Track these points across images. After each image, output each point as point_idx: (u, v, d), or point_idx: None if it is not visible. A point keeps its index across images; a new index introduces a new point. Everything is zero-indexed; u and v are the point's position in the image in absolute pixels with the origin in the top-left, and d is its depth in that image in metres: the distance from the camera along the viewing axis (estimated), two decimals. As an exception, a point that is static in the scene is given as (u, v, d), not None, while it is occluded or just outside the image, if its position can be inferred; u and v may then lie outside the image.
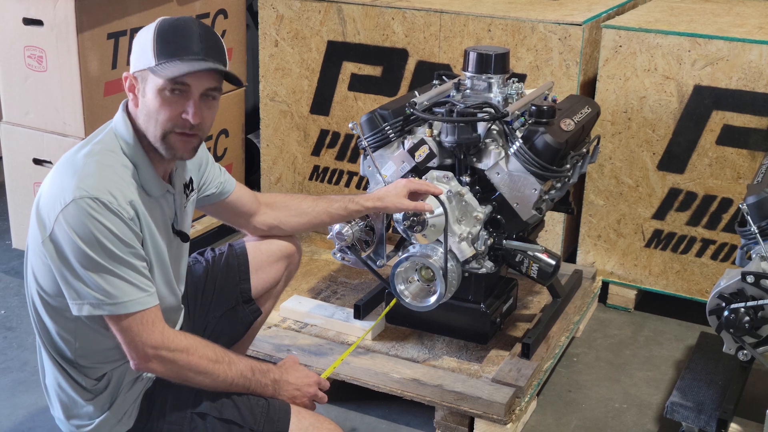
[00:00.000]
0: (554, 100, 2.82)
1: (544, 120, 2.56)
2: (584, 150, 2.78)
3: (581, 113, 2.74)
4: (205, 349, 1.89)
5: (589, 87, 3.20)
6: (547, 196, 2.63)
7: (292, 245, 2.40)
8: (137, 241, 1.83)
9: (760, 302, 2.12)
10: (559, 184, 2.67)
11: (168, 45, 1.80)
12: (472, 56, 2.68)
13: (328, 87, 3.60)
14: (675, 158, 3.07)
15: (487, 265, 2.59)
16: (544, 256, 2.59)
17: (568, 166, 2.60)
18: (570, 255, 3.40)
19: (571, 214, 3.09)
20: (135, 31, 3.13)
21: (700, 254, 3.11)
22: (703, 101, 2.98)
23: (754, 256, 2.23)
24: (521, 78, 3.21)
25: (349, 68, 3.54)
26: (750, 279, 2.12)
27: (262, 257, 2.34)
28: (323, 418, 2.01)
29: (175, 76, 1.78)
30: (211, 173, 2.19)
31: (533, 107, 2.57)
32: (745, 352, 2.19)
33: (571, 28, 3.11)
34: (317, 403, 2.09)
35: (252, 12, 3.90)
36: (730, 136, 2.97)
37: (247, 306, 2.34)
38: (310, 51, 3.59)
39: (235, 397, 1.96)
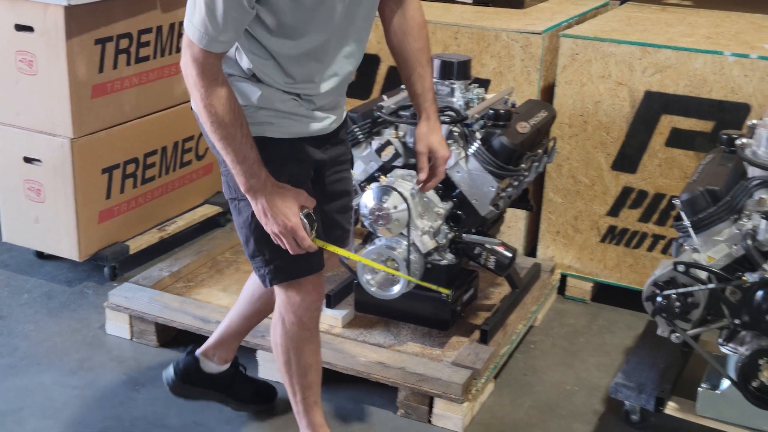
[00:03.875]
0: (513, 105, 3.03)
1: (501, 123, 2.77)
2: (540, 151, 2.98)
3: (537, 116, 2.94)
4: (222, 107, 1.93)
5: (548, 92, 3.41)
6: (504, 194, 2.84)
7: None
8: None
9: (690, 289, 2.33)
10: (516, 183, 2.88)
11: None
12: (437, 63, 2.88)
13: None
14: (627, 159, 3.28)
15: (448, 257, 2.80)
16: (500, 249, 2.80)
17: (524, 165, 2.81)
18: (531, 250, 3.60)
19: (531, 211, 3.30)
20: (121, 37, 3.32)
21: (651, 249, 3.32)
22: (653, 106, 3.19)
23: (686, 248, 2.44)
24: (485, 83, 3.42)
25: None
26: (681, 268, 2.33)
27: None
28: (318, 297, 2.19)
29: None
30: None
31: (491, 111, 2.78)
32: (677, 334, 2.39)
33: (532, 37, 3.32)
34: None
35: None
36: (677, 139, 3.18)
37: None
38: (287, 56, 3.78)
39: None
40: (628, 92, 3.22)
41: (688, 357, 2.81)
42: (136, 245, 3.56)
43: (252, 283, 2.53)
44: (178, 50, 3.64)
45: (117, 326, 3.10)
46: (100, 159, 3.37)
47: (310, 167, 2.18)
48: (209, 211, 3.95)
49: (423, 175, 2.32)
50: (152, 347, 3.05)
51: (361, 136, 2.85)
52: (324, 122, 2.18)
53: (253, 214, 2.09)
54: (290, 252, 2.08)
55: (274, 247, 2.11)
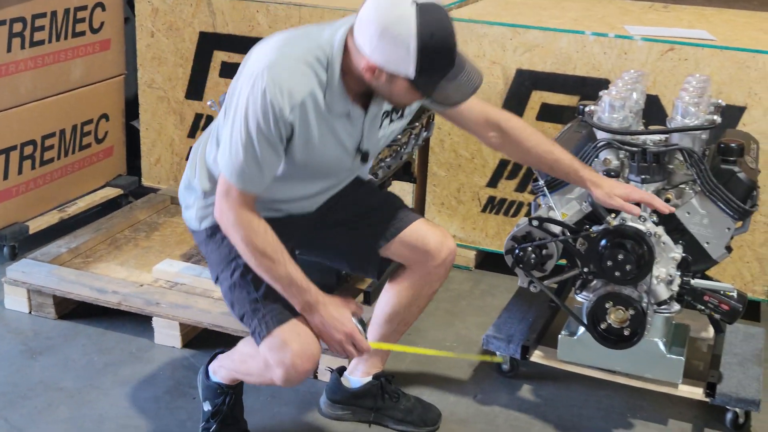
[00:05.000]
0: (394, 82, 3.22)
1: (378, 97, 2.96)
2: (418, 124, 3.18)
3: (414, 92, 3.14)
4: (260, 240, 2.07)
5: (431, 72, 3.62)
6: (383, 164, 3.03)
7: (436, 248, 2.41)
8: (279, 140, 2.04)
9: (543, 241, 2.56)
10: (394, 153, 3.07)
11: (430, 64, 1.92)
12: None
13: (200, 74, 3.94)
14: (503, 133, 3.51)
15: None
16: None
17: (399, 136, 3.01)
18: (419, 222, 3.81)
19: (414, 183, 3.51)
20: (14, 21, 3.41)
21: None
22: (524, 83, 3.43)
23: (543, 205, 2.68)
24: (371, 64, 3.61)
25: (219, 57, 3.89)
26: (535, 223, 2.57)
27: (412, 237, 2.42)
28: (309, 341, 2.14)
29: (445, 104, 2.05)
30: None
31: (368, 86, 2.97)
32: (535, 285, 2.62)
33: (412, 20, 3.53)
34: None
35: (131, 4, 4.19)
36: (547, 113, 3.43)
37: (369, 254, 2.42)
38: (183, 41, 3.92)
39: None
40: (501, 70, 3.45)
41: (557, 310, 3.05)
42: (35, 225, 3.65)
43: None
44: (75, 35, 3.74)
45: (15, 301, 3.19)
46: (-3, 140, 3.45)
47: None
48: (110, 193, 4.06)
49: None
50: (51, 319, 3.15)
51: None
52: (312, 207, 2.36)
53: (232, 285, 2.22)
54: (350, 357, 2.21)
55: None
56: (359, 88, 2.09)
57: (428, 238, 2.44)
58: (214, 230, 2.26)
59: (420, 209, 3.79)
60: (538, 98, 3.43)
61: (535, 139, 2.41)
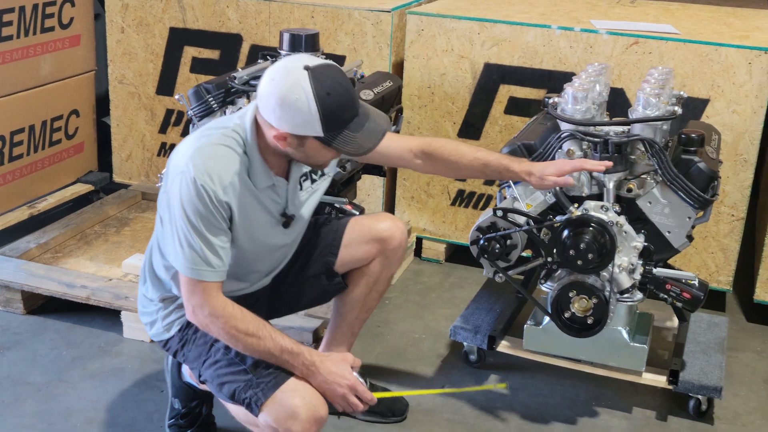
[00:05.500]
0: (362, 76, 3.24)
1: (345, 90, 2.97)
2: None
3: (382, 86, 3.16)
4: (241, 322, 2.07)
5: (400, 67, 3.64)
6: (351, 157, 3.05)
7: (389, 231, 2.48)
8: (223, 222, 2.08)
9: (507, 231, 2.59)
10: (361, 147, 3.09)
11: (334, 120, 2.01)
12: (286, 37, 3.07)
13: (171, 70, 3.94)
14: (471, 127, 3.54)
15: None
16: (347, 208, 3.00)
17: (367, 129, 3.02)
18: (390, 216, 3.83)
19: (384, 177, 3.52)
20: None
21: (496, 210, 3.59)
22: (492, 77, 3.46)
23: (508, 196, 2.71)
24: (341, 59, 3.63)
25: (190, 52, 3.89)
26: (499, 213, 2.59)
27: (354, 235, 2.47)
28: (314, 401, 2.06)
29: (357, 153, 2.05)
30: None
31: (335, 79, 2.98)
32: (500, 275, 2.65)
33: (382, 15, 3.55)
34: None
35: (101, 0, 4.18)
36: (515, 107, 3.46)
37: (329, 278, 2.48)
38: (153, 37, 3.92)
39: None
40: (469, 65, 3.48)
41: (524, 301, 3.08)
42: (4, 222, 3.63)
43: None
44: (44, 30, 3.73)
45: (-17, 296, 3.19)
46: (-35, 136, 3.44)
47: None
48: (81, 189, 4.04)
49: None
50: (19, 315, 3.15)
51: (215, 105, 3.01)
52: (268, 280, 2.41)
53: (218, 367, 2.16)
54: (357, 409, 2.14)
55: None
56: (278, 160, 2.17)
57: (375, 227, 2.48)
58: (186, 330, 2.27)
59: (390, 203, 3.81)
60: (506, 92, 3.46)
61: (459, 151, 2.48)
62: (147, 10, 3.89)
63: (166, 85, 3.96)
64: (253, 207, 2.17)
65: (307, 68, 2.02)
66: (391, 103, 3.28)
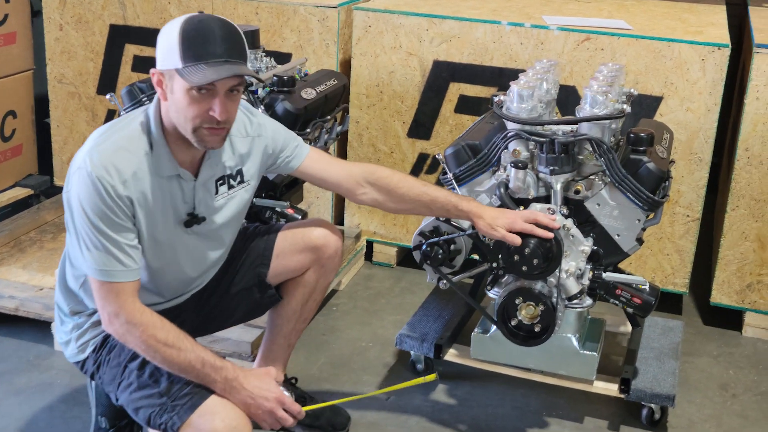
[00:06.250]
0: (305, 74, 3.12)
1: (285, 89, 2.85)
2: (329, 117, 3.08)
3: (325, 84, 3.04)
4: (161, 331, 1.94)
5: (348, 64, 3.52)
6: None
7: (323, 239, 2.37)
8: (126, 218, 1.96)
9: (450, 236, 2.48)
10: (303, 148, 2.96)
11: (193, 48, 1.90)
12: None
13: (112, 68, 3.79)
14: (422, 126, 3.43)
15: None
16: (288, 212, 2.88)
17: (308, 130, 2.90)
18: (340, 219, 3.71)
19: (331, 179, 3.40)
20: None
21: (448, 212, 3.48)
22: (442, 74, 3.35)
23: (452, 199, 2.59)
24: (287, 57, 3.51)
25: (131, 50, 3.74)
26: (442, 217, 2.48)
27: (286, 244, 2.36)
28: (236, 427, 1.94)
29: (201, 83, 1.90)
30: (284, 153, 2.29)
31: (275, 78, 2.86)
32: (444, 281, 2.54)
33: (328, 11, 3.43)
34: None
35: (38, -3, 4.02)
36: (465, 105, 3.36)
37: (262, 290, 2.36)
38: (93, 34, 3.77)
39: None
40: (418, 62, 3.36)
41: (474, 309, 2.97)
42: (-65, 227, 3.47)
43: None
44: (-25, 28, 3.57)
45: None
46: None
47: None
48: (20, 193, 3.89)
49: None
50: (-55, 327, 3.00)
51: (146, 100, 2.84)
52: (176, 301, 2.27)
53: (132, 391, 2.04)
54: (286, 424, 2.03)
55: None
56: (186, 150, 2.04)
57: (308, 235, 2.37)
58: (100, 351, 2.13)
59: (340, 206, 3.69)
60: (456, 90, 3.35)
61: (406, 184, 2.34)
62: (86, 7, 3.74)
63: (107, 84, 3.81)
64: (159, 203, 2.03)
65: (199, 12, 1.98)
66: (336, 102, 3.16)
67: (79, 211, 1.93)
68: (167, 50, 1.93)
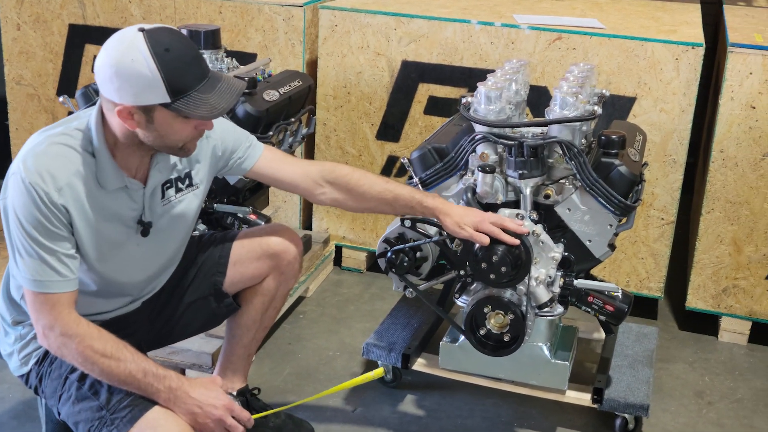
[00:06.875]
0: (270, 75, 3.02)
1: (247, 90, 2.75)
2: (293, 119, 2.98)
3: (289, 86, 2.95)
4: (98, 342, 1.87)
5: (315, 65, 3.43)
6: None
7: (282, 245, 2.28)
8: (62, 226, 1.85)
9: (415, 243, 2.39)
10: (267, 151, 2.87)
11: (180, 81, 1.79)
12: (184, 33, 2.83)
13: (72, 69, 3.68)
14: (390, 128, 3.34)
15: None
16: (251, 218, 2.78)
17: (271, 133, 2.80)
18: (308, 223, 3.62)
19: (297, 183, 3.30)
20: None
21: (418, 216, 3.39)
22: (411, 75, 3.26)
23: (418, 204, 2.50)
24: (252, 57, 3.41)
25: (91, 50, 3.63)
26: (407, 223, 2.39)
27: (244, 251, 2.27)
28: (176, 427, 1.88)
29: (212, 116, 1.82)
30: (235, 154, 2.20)
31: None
32: (410, 290, 2.45)
33: (293, 9, 3.33)
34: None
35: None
36: (435, 106, 3.27)
37: (218, 299, 2.28)
38: (52, 34, 3.65)
39: None
40: (386, 62, 3.27)
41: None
42: None
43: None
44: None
45: None
46: None
47: None
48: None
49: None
50: None
51: None
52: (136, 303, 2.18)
53: (71, 404, 1.95)
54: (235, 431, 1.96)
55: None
56: (134, 158, 1.94)
57: (266, 241, 2.28)
58: (42, 363, 2.03)
59: (308, 210, 3.59)
60: (425, 91, 3.26)
61: (367, 181, 2.24)
62: (44, 6, 3.62)
63: (67, 85, 3.69)
64: (101, 213, 1.93)
65: (142, 30, 1.80)
66: (300, 103, 3.06)
67: (14, 218, 1.84)
68: (145, 87, 1.78)
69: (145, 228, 2.02)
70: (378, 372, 2.33)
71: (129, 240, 2.01)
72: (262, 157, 2.23)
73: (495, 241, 2.24)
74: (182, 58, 1.80)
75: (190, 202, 2.12)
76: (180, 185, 2.09)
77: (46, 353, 2.01)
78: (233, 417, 1.94)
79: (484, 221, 2.21)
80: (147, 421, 1.85)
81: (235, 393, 2.40)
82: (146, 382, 1.87)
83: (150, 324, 2.22)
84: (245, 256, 2.27)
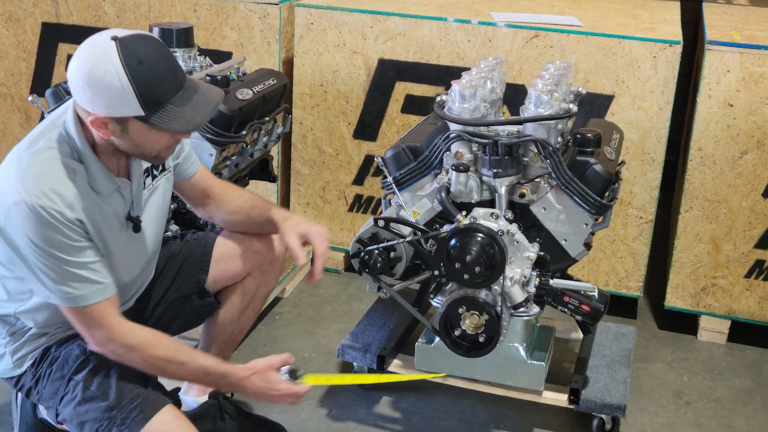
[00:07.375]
0: (244, 74, 2.98)
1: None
2: (267, 119, 2.94)
3: (263, 84, 2.90)
4: (159, 348, 1.89)
5: (291, 63, 3.39)
6: (229, 162, 2.79)
7: (264, 243, 2.27)
8: (82, 238, 1.83)
9: (388, 243, 2.36)
10: (239, 151, 2.83)
11: (155, 94, 1.76)
12: (156, 32, 2.80)
13: (46, 69, 3.63)
14: (368, 127, 3.31)
15: None
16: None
17: (244, 132, 2.76)
18: (285, 223, 3.58)
19: (274, 182, 3.26)
20: None
21: (396, 215, 3.36)
22: (387, 73, 3.23)
23: (392, 204, 2.48)
24: (227, 55, 3.37)
25: (65, 49, 3.58)
26: (381, 223, 2.36)
27: (226, 249, 2.27)
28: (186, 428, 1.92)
29: (187, 130, 1.80)
30: (186, 157, 2.19)
31: (207, 77, 2.71)
32: (384, 291, 2.42)
33: (269, 7, 3.29)
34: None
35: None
36: (412, 105, 3.24)
37: (201, 297, 2.27)
38: (25, 33, 3.60)
39: (113, 374, 1.93)
40: (363, 60, 3.24)
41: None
42: None
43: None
44: None
45: None
46: None
47: None
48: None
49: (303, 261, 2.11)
50: None
51: None
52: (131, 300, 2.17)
53: (77, 404, 1.93)
54: (292, 405, 2.04)
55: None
56: (116, 158, 1.93)
57: (249, 239, 2.27)
58: (40, 365, 2.00)
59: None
60: (402, 89, 3.23)
61: (242, 198, 2.26)
62: (16, 4, 3.57)
63: (40, 85, 3.64)
64: (102, 217, 1.91)
65: (114, 38, 1.75)
66: (275, 102, 3.02)
67: (28, 246, 1.79)
68: (117, 100, 1.75)
69: (135, 224, 2.00)
70: (440, 375, 2.47)
71: (123, 238, 2.00)
72: (199, 172, 2.24)
73: (467, 241, 2.22)
74: (156, 70, 1.77)
75: (164, 187, 2.12)
76: (155, 171, 2.08)
77: (44, 354, 1.99)
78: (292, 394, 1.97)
79: (310, 234, 2.12)
80: (159, 422, 1.87)
81: (207, 396, 2.37)
82: (208, 381, 1.97)
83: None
84: (228, 254, 2.25)
